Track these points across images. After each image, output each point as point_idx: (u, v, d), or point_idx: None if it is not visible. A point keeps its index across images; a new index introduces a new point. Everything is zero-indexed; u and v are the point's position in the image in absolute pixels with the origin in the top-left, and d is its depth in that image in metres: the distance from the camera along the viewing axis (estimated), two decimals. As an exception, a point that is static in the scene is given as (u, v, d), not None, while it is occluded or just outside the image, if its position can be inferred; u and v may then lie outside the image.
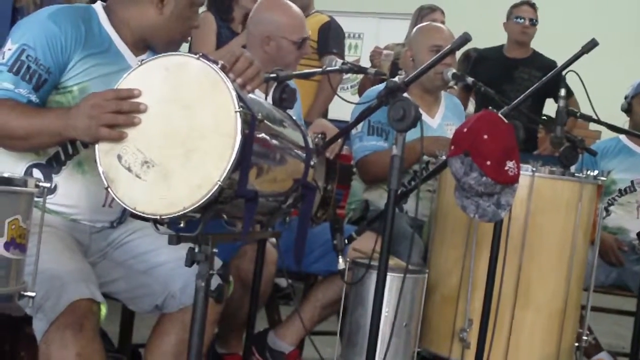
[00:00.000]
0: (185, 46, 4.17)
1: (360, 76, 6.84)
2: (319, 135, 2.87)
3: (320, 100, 5.63)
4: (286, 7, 3.92)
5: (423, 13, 6.30)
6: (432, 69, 3.88)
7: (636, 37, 10.41)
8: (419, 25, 4.65)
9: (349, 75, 8.94)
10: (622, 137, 4.85)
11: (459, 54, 5.76)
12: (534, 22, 6.36)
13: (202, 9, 3.57)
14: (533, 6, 6.44)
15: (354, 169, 4.32)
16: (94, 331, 2.52)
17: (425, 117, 4.28)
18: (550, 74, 3.63)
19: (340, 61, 3.42)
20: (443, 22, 5.88)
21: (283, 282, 5.21)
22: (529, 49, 6.46)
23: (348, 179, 4.50)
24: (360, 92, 6.58)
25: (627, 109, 4.91)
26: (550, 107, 6.11)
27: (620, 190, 4.76)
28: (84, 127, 2.45)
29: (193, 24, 2.90)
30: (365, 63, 6.58)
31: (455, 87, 6.16)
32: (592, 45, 3.38)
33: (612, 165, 4.79)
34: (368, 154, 4.12)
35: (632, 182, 4.72)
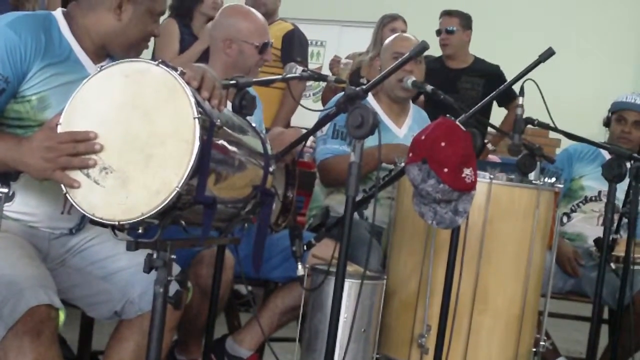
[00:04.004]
0: (148, 52, 4.18)
1: (323, 84, 6.86)
2: None
3: (284, 109, 5.64)
4: (248, 12, 3.97)
5: (385, 22, 6.32)
6: (395, 76, 3.95)
7: (596, 45, 10.51)
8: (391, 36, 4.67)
9: (311, 82, 8.97)
10: None
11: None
12: (450, 31, 6.28)
13: (164, 16, 3.58)
14: (450, 14, 6.38)
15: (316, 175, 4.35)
16: (52, 337, 2.51)
17: (392, 126, 4.32)
18: (507, 83, 3.66)
19: (300, 68, 3.44)
20: (404, 31, 5.91)
21: (243, 289, 5.22)
22: (467, 57, 6.38)
23: (309, 186, 4.52)
24: (323, 100, 6.61)
25: (607, 123, 4.94)
26: (496, 112, 6.20)
27: (586, 197, 4.78)
28: (39, 168, 2.45)
29: (153, 31, 2.88)
30: (328, 71, 6.60)
31: None
32: (548, 54, 3.41)
33: (585, 171, 4.82)
34: (329, 157, 4.15)
35: (599, 192, 4.73)
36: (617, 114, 4.85)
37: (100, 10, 2.81)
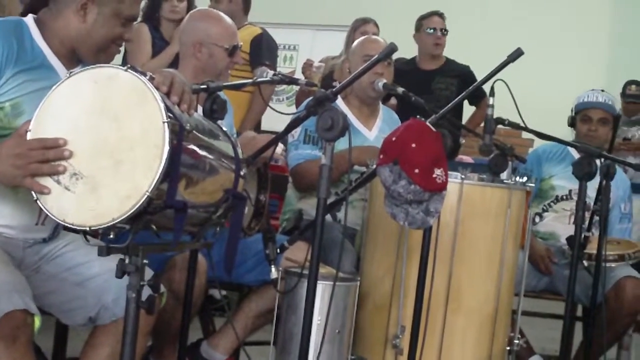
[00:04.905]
0: (118, 58, 4.15)
1: (297, 87, 6.88)
2: None
3: (253, 111, 5.66)
4: (217, 16, 4.00)
5: (356, 25, 6.35)
6: (366, 79, 3.96)
7: (563, 44, 10.55)
8: (359, 38, 4.69)
9: (284, 86, 8.98)
10: None
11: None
12: (444, 32, 6.44)
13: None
14: (442, 16, 6.51)
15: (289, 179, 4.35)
16: (27, 343, 2.51)
17: (362, 128, 4.34)
18: (477, 83, 3.67)
19: (271, 72, 3.47)
20: (376, 34, 5.94)
21: (218, 293, 5.21)
22: (440, 58, 6.52)
23: (283, 189, 4.52)
24: (297, 104, 6.63)
25: (572, 124, 4.95)
26: (468, 111, 6.25)
27: (557, 196, 4.80)
28: (8, 175, 2.44)
29: (122, 34, 2.85)
30: (301, 75, 6.62)
31: None
32: (517, 54, 3.42)
33: (554, 171, 4.83)
34: (301, 162, 4.17)
35: (569, 191, 4.75)
36: (582, 113, 4.86)
37: (67, 12, 2.79)
